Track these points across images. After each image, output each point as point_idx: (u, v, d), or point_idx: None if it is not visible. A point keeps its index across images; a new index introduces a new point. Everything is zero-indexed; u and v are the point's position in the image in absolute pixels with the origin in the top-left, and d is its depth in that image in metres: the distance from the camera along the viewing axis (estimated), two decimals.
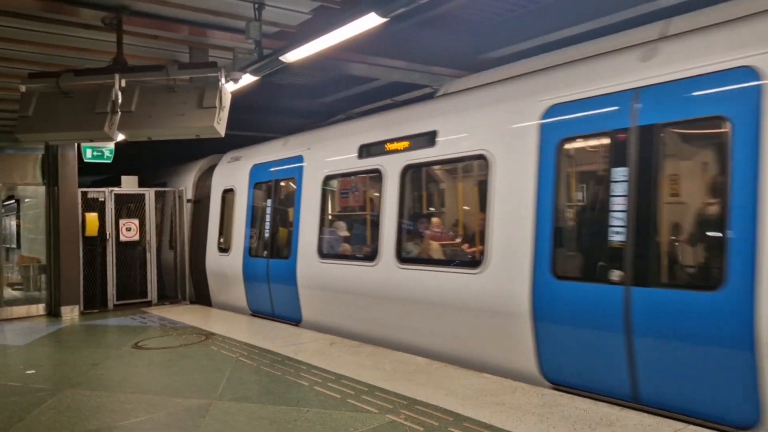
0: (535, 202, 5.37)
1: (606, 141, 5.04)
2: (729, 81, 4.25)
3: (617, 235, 4.74)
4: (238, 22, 5.93)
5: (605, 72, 5.16)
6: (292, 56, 5.78)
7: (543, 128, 5.45)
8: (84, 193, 10.64)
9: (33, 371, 6.42)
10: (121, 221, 10.93)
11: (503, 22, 8.58)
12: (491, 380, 5.36)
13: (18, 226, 16.58)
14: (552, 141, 5.34)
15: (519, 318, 5.40)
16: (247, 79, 6.34)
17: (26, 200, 15.05)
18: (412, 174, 7.14)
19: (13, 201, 16.84)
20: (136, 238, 11.07)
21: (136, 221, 11.10)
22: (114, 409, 5.01)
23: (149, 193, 11.38)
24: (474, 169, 6.89)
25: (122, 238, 10.91)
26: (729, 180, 4.21)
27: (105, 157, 10.70)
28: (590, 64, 5.45)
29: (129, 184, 11.54)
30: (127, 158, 11.50)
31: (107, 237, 10.75)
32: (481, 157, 6.05)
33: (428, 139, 6.69)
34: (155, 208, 11.38)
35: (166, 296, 11.66)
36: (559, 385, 5.22)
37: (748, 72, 4.14)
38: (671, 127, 4.70)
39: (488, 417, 4.42)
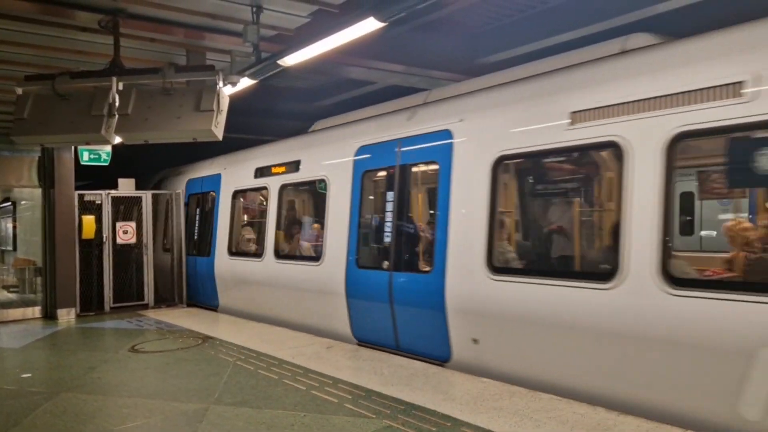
0: (349, 214, 7.58)
1: (384, 173, 7.33)
2: (439, 138, 6.48)
3: (387, 237, 7.09)
4: (235, 25, 5.91)
5: (389, 124, 7.35)
6: (290, 60, 5.78)
7: (355, 162, 7.65)
8: (81, 196, 10.59)
9: (29, 375, 6.40)
10: (118, 224, 10.87)
11: (500, 27, 8.62)
12: (489, 385, 5.36)
13: (14, 228, 16.55)
14: (359, 172, 7.56)
15: (339, 296, 7.58)
16: (245, 82, 6.33)
17: (22, 202, 15.03)
18: (286, 191, 9.44)
19: (9, 203, 16.82)
20: (133, 241, 11.03)
21: (133, 224, 11.07)
22: (110, 414, 5.00)
23: (146, 196, 11.34)
24: (322, 189, 8.72)
25: (119, 241, 10.88)
26: (436, 203, 6.40)
27: (102, 159, 10.66)
28: (385, 117, 7.61)
29: (126, 187, 11.49)
30: (120, 162, 11.42)
31: (104, 240, 10.71)
32: (323, 180, 8.23)
33: (296, 165, 8.90)
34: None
35: (163, 299, 11.61)
36: (362, 342, 7.35)
37: (447, 133, 6.37)
38: (414, 167, 7.04)
39: (486, 422, 4.42)
